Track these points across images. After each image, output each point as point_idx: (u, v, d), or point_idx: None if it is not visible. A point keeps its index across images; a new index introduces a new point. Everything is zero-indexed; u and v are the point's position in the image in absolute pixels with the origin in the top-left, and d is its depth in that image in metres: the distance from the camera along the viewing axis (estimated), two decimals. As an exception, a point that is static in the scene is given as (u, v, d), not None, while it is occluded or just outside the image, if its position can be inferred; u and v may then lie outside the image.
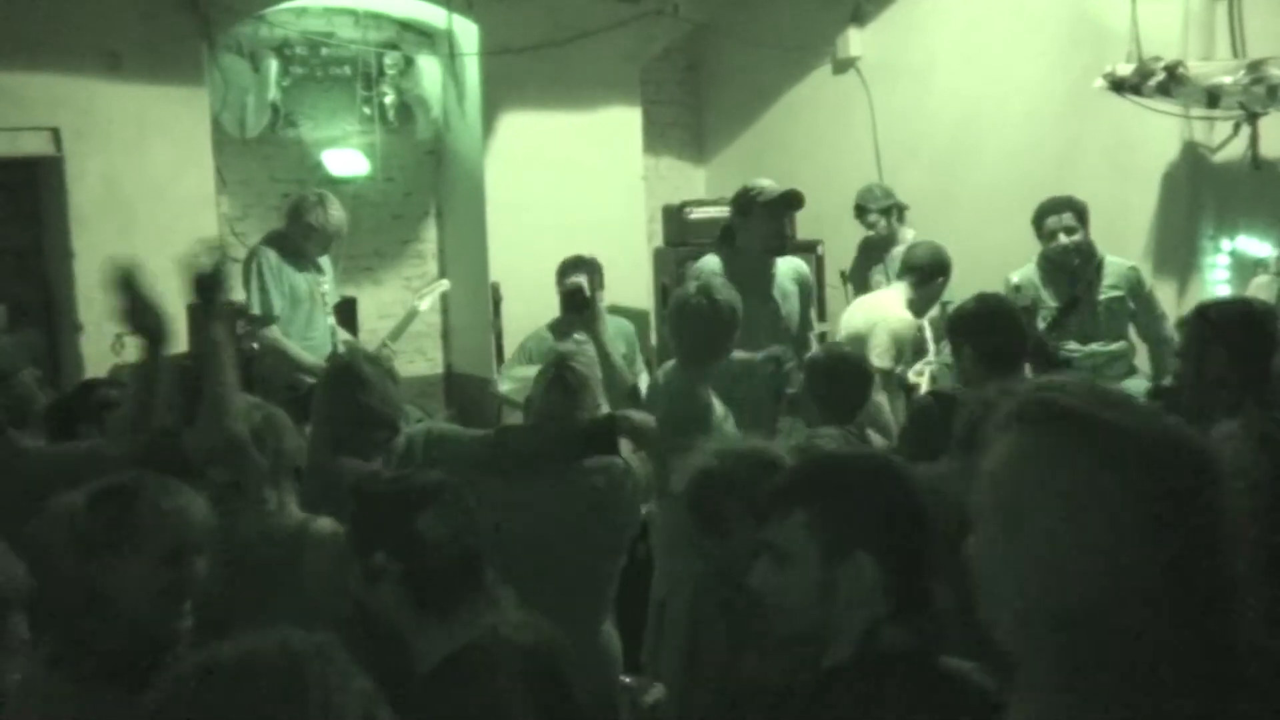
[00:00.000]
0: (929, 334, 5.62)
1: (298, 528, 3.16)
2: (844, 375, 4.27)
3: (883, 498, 2.05)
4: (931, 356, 5.58)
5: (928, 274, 5.53)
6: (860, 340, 5.34)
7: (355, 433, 3.69)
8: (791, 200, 5.04)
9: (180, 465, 2.95)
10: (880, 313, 5.46)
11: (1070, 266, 5.53)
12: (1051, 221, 5.54)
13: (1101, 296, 5.52)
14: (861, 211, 6.77)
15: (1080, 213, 5.55)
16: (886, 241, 6.68)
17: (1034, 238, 6.05)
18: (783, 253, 5.11)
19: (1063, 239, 5.51)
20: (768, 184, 5.07)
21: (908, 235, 6.57)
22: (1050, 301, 5.57)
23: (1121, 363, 5.58)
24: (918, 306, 5.55)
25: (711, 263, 5.00)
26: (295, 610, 2.85)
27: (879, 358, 5.34)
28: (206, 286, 3.32)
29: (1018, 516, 1.33)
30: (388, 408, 3.74)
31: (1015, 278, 5.68)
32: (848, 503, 2.03)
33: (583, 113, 8.00)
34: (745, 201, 4.96)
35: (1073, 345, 5.51)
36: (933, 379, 5.49)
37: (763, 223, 4.92)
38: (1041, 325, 5.57)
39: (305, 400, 4.19)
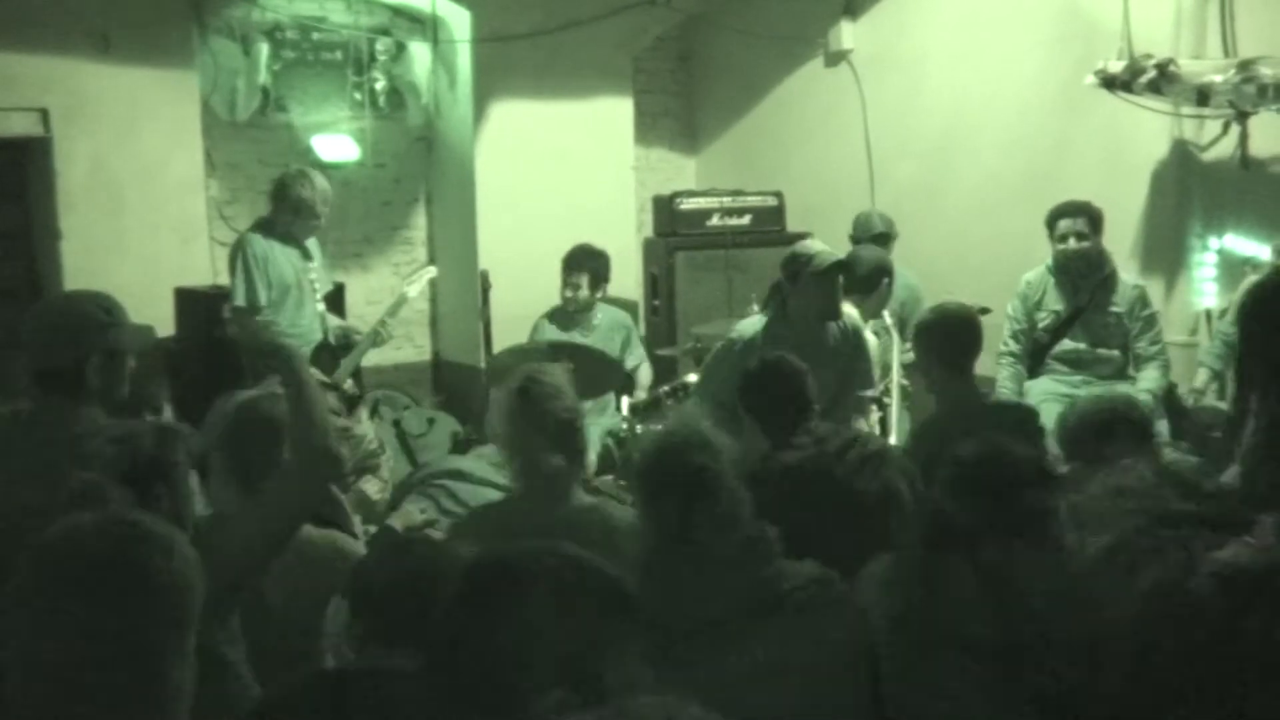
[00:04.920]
0: (895, 345, 5.54)
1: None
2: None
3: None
4: (895, 363, 5.53)
5: (874, 280, 5.53)
6: None
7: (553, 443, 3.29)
8: (842, 270, 4.80)
9: None
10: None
11: (1075, 273, 5.56)
12: (1064, 225, 5.54)
13: (1100, 308, 5.57)
14: (856, 243, 6.37)
15: (1093, 220, 5.55)
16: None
17: (1023, 232, 6.07)
18: (835, 319, 4.86)
19: (1072, 244, 5.52)
20: (818, 250, 4.78)
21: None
22: (1055, 304, 5.62)
23: (1108, 365, 5.62)
24: (874, 312, 5.55)
25: (753, 326, 4.82)
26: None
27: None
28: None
29: None
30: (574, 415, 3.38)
31: (1028, 276, 5.70)
32: None
33: (574, 101, 7.98)
34: (794, 268, 4.72)
35: (1069, 346, 5.61)
36: (903, 381, 5.51)
37: (813, 290, 4.68)
38: (1042, 326, 5.62)
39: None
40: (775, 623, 2.42)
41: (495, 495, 4.01)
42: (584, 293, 6.36)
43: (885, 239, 6.47)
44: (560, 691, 1.55)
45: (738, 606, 2.42)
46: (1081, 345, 5.61)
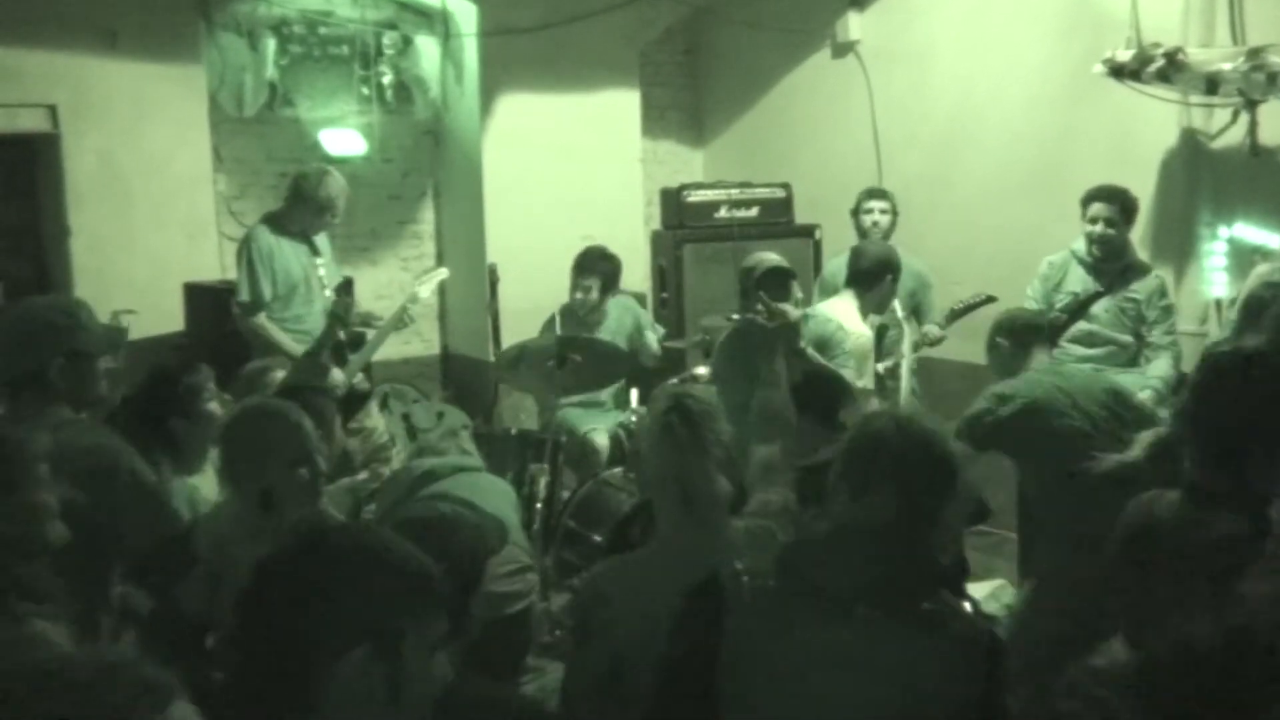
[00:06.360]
0: (906, 336, 5.59)
1: None
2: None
3: None
4: (906, 354, 5.55)
5: (876, 276, 5.38)
6: (822, 348, 5.29)
7: None
8: (771, 275, 5.02)
9: None
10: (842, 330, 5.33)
11: (1096, 257, 5.56)
12: (1095, 208, 5.54)
13: (1119, 293, 5.56)
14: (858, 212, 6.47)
15: (1126, 209, 5.54)
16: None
17: (1031, 222, 6.07)
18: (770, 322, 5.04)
19: (1099, 229, 5.52)
20: (757, 263, 5.08)
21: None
22: (1074, 286, 5.63)
23: (1120, 350, 5.61)
24: (874, 307, 5.42)
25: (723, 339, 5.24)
26: None
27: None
28: None
29: None
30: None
31: (1051, 258, 5.72)
32: None
33: (581, 95, 7.98)
34: (743, 284, 5.11)
35: (1084, 329, 5.60)
36: (912, 372, 5.52)
37: (754, 296, 5.02)
38: (1059, 307, 5.62)
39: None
40: (907, 627, 2.41)
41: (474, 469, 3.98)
42: (593, 296, 6.32)
43: (885, 194, 6.47)
44: (362, 649, 1.76)
45: (892, 595, 2.43)
46: (1096, 327, 5.60)
